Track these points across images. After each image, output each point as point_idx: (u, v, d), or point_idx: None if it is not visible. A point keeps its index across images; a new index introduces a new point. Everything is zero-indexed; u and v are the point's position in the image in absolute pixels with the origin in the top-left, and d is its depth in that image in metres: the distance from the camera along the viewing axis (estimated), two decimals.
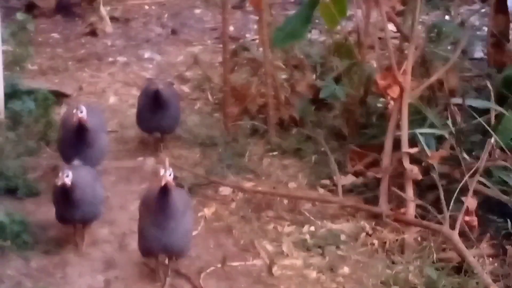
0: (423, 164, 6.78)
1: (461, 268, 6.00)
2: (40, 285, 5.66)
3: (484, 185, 6.51)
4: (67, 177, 5.79)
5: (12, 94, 7.48)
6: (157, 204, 5.65)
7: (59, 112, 8.08)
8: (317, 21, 8.46)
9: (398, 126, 6.93)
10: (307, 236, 6.52)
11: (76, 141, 6.50)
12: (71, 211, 5.96)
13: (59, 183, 5.78)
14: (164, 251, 5.77)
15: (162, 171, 5.61)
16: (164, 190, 5.65)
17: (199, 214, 6.78)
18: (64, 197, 5.90)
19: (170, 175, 5.60)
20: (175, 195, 5.71)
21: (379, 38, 7.74)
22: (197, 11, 11.31)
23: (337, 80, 7.80)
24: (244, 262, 6.16)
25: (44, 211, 6.31)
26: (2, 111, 7.02)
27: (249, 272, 6.07)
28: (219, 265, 6.07)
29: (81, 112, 6.37)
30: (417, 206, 6.64)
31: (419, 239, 6.49)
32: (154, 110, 7.29)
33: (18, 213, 6.18)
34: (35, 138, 7.45)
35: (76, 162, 6.28)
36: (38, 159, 7.31)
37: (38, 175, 7.06)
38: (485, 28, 9.51)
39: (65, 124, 6.69)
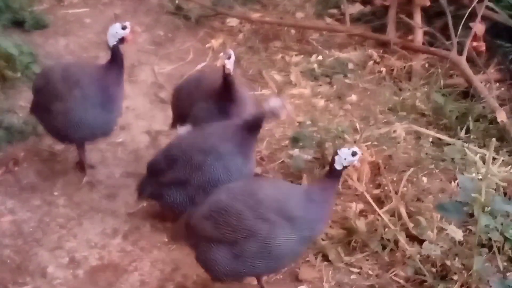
0: None
1: (468, 93, 6.07)
2: None
3: (493, 10, 6.46)
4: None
5: None
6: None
7: None
8: None
9: None
10: (315, 66, 6.55)
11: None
12: None
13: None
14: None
15: None
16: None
17: (207, 46, 6.80)
18: None
19: None
20: None
21: None
22: None
23: None
24: (253, 92, 6.20)
25: (52, 43, 6.31)
26: None
27: (257, 101, 6.11)
28: None
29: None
30: (425, 33, 6.65)
31: (426, 65, 6.55)
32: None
33: (27, 45, 6.17)
34: None
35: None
36: None
37: (44, 7, 7.04)
38: None
39: None
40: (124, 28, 4.80)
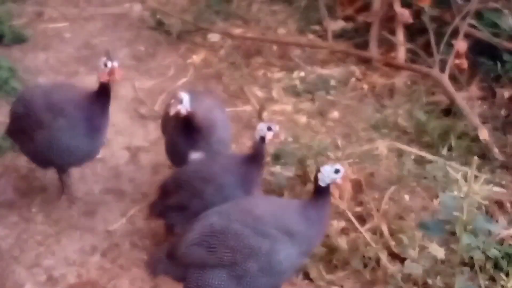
0: (413, 7, 6.70)
1: (450, 111, 6.05)
2: None
3: (475, 27, 6.47)
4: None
5: None
6: None
7: None
8: None
9: None
10: (297, 82, 6.53)
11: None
12: None
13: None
14: None
15: None
16: None
17: (188, 61, 6.77)
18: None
19: None
20: None
21: None
22: None
23: None
24: (234, 108, 6.17)
25: (31, 58, 6.25)
26: None
27: (239, 117, 6.09)
28: None
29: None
30: (408, 50, 6.64)
31: (408, 83, 6.53)
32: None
33: (6, 60, 6.11)
34: None
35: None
36: (24, 5, 7.22)
37: (24, 21, 6.99)
38: None
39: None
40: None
